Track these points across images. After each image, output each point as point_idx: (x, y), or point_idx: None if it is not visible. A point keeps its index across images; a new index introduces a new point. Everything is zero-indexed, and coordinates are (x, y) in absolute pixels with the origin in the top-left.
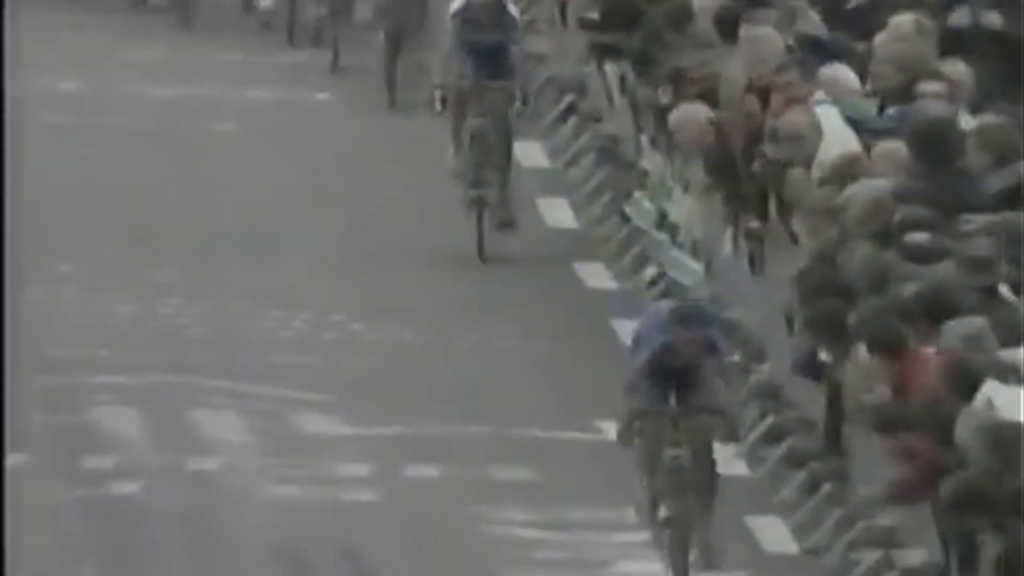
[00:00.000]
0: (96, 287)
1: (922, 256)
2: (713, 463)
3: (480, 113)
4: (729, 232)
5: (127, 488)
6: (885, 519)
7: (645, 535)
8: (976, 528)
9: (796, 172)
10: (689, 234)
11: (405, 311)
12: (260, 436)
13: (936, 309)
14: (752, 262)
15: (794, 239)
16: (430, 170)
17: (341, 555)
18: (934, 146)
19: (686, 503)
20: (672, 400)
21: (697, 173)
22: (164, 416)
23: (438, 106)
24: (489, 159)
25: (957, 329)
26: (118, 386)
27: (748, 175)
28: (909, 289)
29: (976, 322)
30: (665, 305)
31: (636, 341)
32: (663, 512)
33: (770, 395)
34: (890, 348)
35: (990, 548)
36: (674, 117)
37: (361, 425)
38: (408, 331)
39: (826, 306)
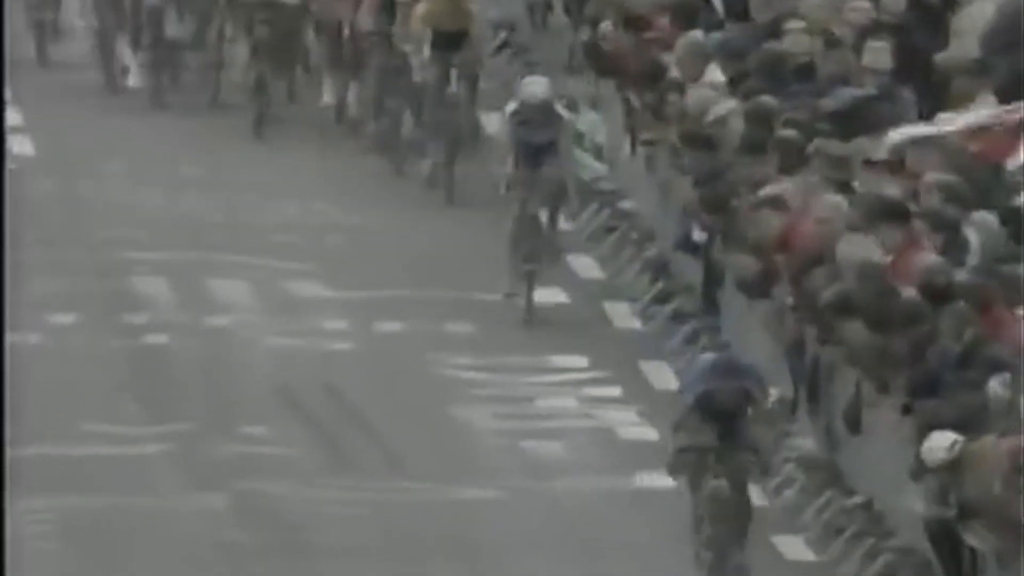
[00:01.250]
0: (136, 182)
1: (794, 154)
2: (748, 494)
3: (532, 197)
4: (628, 139)
5: (157, 339)
6: (751, 362)
7: (563, 377)
8: (828, 353)
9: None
10: (594, 141)
11: (375, 199)
12: (261, 299)
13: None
14: (647, 163)
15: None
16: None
17: (325, 391)
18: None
19: (724, 528)
20: (714, 438)
21: (601, 92)
22: (186, 283)
23: (503, 189)
24: (541, 238)
25: (823, 202)
26: (151, 259)
27: (641, 96)
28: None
29: (835, 199)
30: (707, 358)
31: (682, 388)
32: (704, 533)
33: (659, 267)
34: (778, 206)
35: (834, 384)
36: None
37: (340, 289)
38: (378, 216)
39: (713, 190)
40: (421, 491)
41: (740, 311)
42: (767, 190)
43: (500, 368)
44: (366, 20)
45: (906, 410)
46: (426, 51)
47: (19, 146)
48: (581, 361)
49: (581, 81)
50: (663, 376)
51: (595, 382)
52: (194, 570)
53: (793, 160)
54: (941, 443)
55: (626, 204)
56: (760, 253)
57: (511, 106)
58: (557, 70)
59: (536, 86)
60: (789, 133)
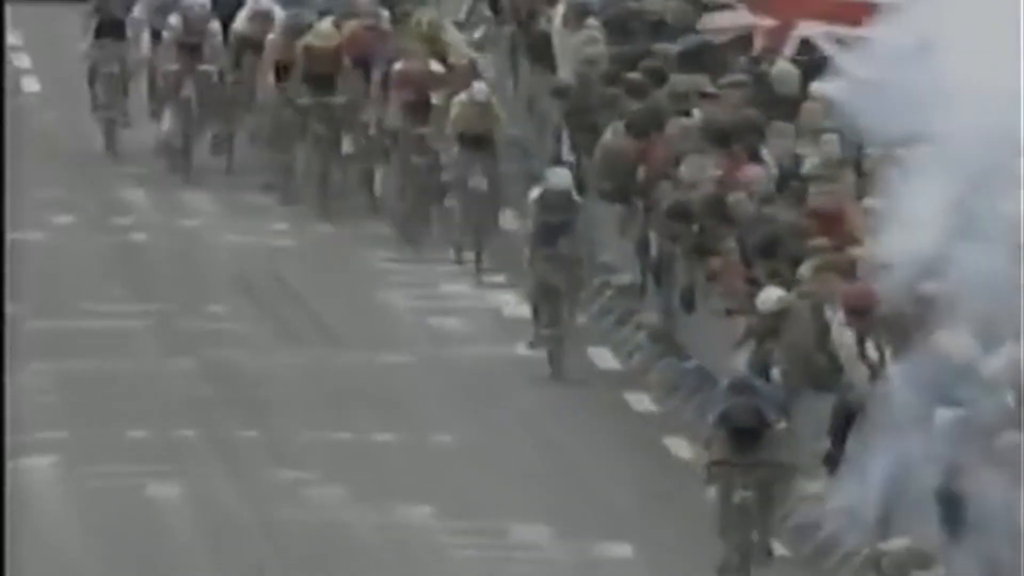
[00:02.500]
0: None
1: (639, 90)
2: (773, 504)
3: (554, 271)
4: (512, 78)
5: (139, 236)
6: (608, 256)
7: (460, 267)
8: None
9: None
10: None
11: None
12: (221, 205)
13: (654, 124)
14: (529, 97)
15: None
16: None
17: (273, 278)
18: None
19: (749, 535)
20: (739, 454)
21: (492, 41)
22: (162, 193)
23: (526, 264)
24: (560, 306)
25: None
26: (133, 174)
27: (526, 42)
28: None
29: (684, 121)
30: (724, 382)
31: (705, 410)
32: (732, 539)
33: (536, 179)
34: (642, 131)
35: (673, 273)
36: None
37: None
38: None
39: (580, 119)
40: (349, 356)
41: (600, 213)
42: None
43: (412, 260)
44: (395, 118)
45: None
46: (455, 150)
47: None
48: (473, 255)
49: (476, 32)
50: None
51: (485, 271)
52: (168, 418)
53: (639, 96)
54: (772, 295)
55: (510, 129)
56: (617, 170)
57: (535, 192)
58: (457, 26)
59: (558, 177)
60: (635, 75)
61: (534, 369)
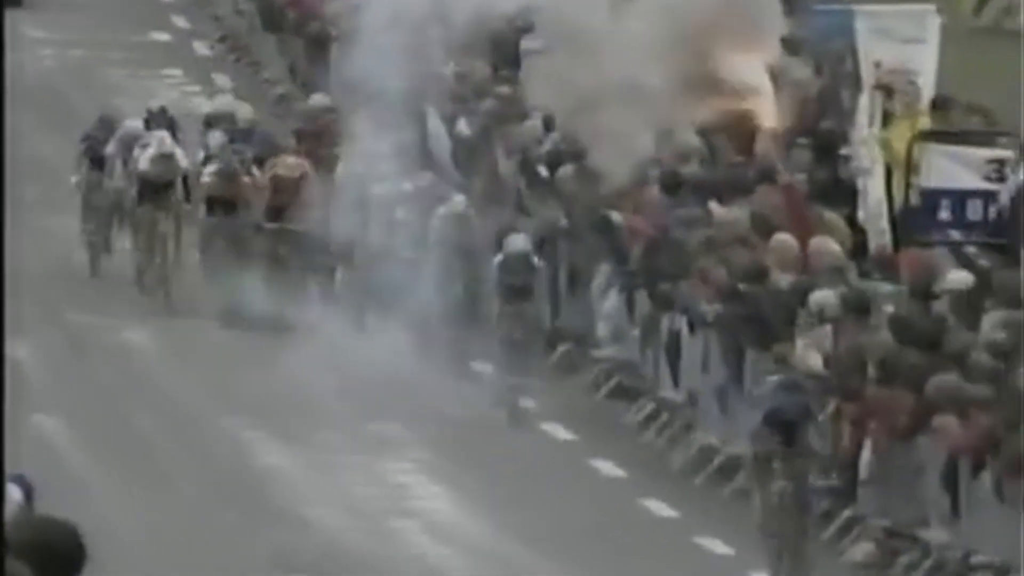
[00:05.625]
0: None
1: None
2: (809, 493)
3: (518, 327)
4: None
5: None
6: None
7: None
8: None
9: None
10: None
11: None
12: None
13: None
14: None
15: None
16: None
17: None
18: None
19: (789, 522)
20: (780, 446)
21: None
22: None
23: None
24: (523, 358)
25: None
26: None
27: None
28: None
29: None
30: (774, 379)
31: (752, 404)
32: (769, 527)
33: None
34: None
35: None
36: None
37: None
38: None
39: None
40: None
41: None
42: None
43: None
44: None
45: None
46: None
47: None
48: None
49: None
50: None
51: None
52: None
53: None
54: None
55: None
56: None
57: (499, 257)
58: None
59: (518, 241)
60: None
61: None
